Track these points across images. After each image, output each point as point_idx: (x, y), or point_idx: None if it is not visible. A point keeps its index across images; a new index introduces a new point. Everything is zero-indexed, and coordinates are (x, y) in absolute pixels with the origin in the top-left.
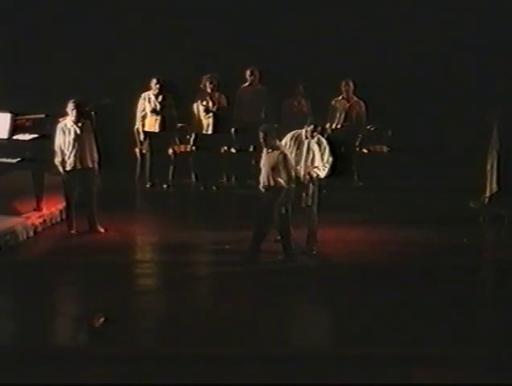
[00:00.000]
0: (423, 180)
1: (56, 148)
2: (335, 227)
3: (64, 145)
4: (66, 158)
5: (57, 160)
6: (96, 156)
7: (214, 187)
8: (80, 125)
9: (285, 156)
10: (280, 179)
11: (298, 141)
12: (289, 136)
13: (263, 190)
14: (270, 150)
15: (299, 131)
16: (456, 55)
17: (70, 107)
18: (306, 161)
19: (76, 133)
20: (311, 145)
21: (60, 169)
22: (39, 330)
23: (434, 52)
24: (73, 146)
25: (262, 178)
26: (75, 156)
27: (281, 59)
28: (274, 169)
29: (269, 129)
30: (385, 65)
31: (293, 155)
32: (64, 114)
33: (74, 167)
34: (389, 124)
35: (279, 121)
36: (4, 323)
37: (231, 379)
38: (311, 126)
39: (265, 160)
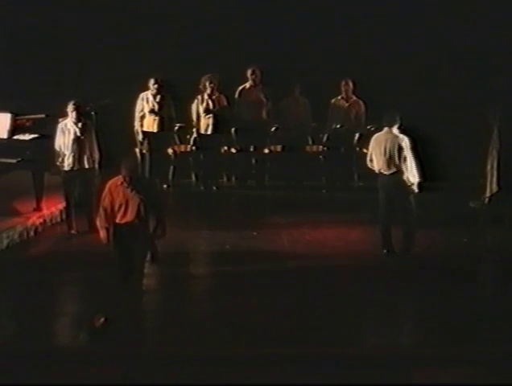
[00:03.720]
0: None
1: (56, 148)
2: (335, 227)
3: (64, 145)
4: (66, 158)
5: (57, 160)
6: (96, 156)
7: (214, 187)
8: (80, 125)
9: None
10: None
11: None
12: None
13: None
14: (134, 191)
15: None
16: (456, 55)
17: (70, 108)
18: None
19: (75, 133)
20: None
21: (60, 169)
22: (39, 330)
23: (434, 52)
24: (73, 147)
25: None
26: (74, 156)
27: (281, 58)
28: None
29: (134, 166)
30: (385, 65)
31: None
32: (64, 114)
33: (73, 167)
34: None
35: (280, 121)
36: (4, 323)
37: (231, 379)
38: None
39: (130, 196)
